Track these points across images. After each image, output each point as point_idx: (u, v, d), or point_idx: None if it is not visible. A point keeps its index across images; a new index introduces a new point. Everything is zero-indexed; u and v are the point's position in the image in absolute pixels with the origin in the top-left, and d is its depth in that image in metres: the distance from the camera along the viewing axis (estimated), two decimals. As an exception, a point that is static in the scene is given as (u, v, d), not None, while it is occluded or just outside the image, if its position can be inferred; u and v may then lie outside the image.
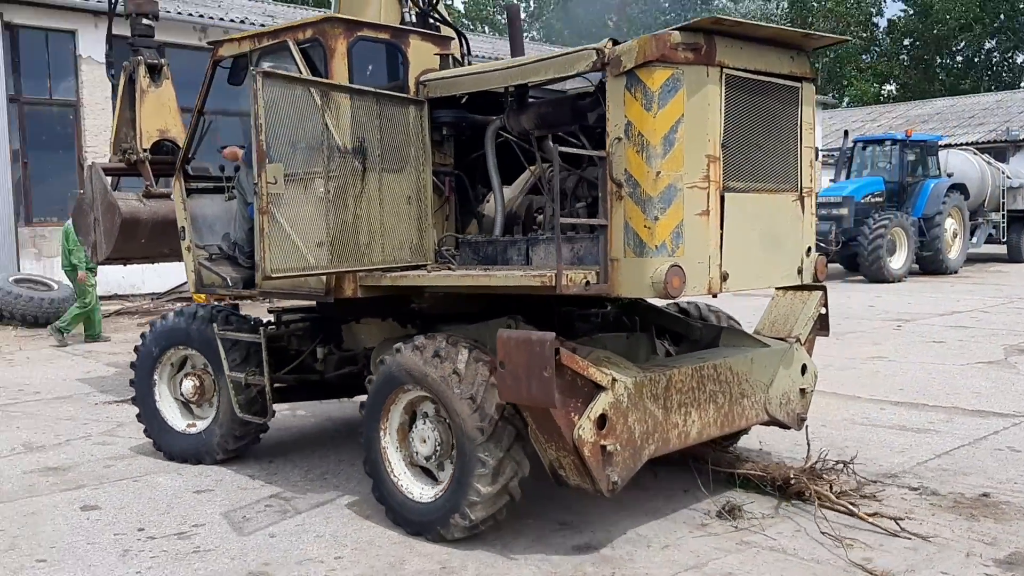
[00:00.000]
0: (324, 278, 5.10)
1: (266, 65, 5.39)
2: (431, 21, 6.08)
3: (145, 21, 8.45)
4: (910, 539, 4.63)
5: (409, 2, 6.08)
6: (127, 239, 8.03)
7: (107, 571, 4.47)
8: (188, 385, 6.40)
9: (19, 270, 15.34)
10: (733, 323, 6.16)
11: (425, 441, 4.85)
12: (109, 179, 8.36)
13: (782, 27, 4.88)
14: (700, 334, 5.89)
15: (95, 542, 4.86)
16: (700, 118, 4.43)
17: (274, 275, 4.44)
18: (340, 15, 5.25)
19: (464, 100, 5.47)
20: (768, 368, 5.43)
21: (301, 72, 5.13)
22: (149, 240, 8.18)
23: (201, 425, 6.42)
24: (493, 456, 4.47)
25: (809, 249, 5.19)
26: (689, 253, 4.43)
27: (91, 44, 16.15)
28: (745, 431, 6.03)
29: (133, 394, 6.62)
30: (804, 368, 5.70)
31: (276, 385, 6.13)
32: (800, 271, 5.15)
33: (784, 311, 5.93)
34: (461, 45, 6.12)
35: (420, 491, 4.87)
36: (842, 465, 5.48)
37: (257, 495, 5.59)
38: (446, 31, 5.96)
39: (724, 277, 4.61)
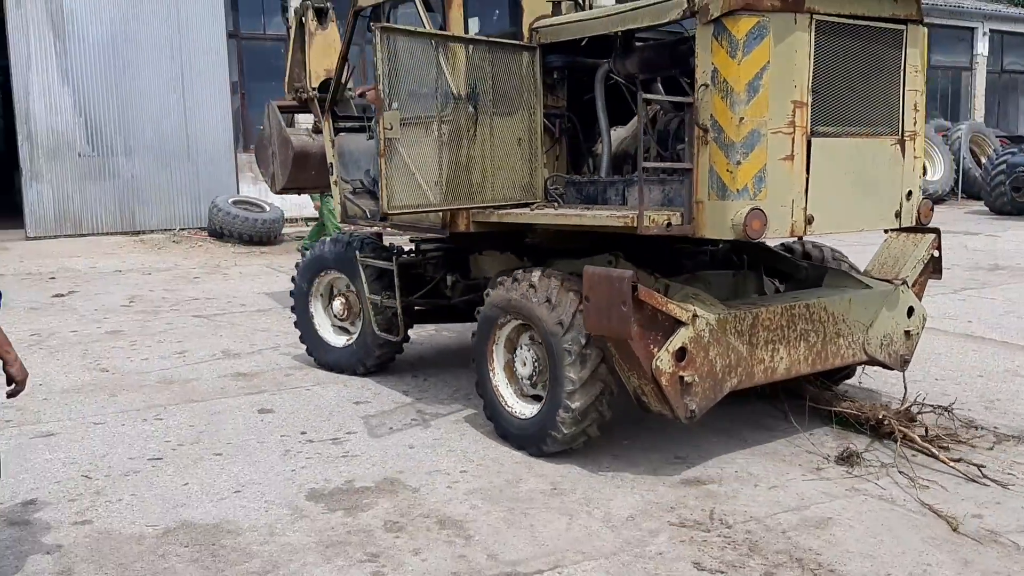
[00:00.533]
0: (441, 214, 5.61)
1: (396, 14, 5.89)
2: None
3: (320, -35, 9.11)
4: (988, 485, 4.68)
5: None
6: (299, 171, 8.86)
7: (269, 467, 5.07)
8: (338, 305, 7.18)
9: (237, 192, 16.78)
10: (842, 261, 6.21)
11: (525, 364, 5.33)
12: (284, 116, 9.21)
13: (878, -30, 4.84)
14: (806, 273, 6.00)
15: (264, 441, 5.49)
16: (787, 65, 4.54)
17: (393, 211, 4.99)
18: (458, -32, 5.63)
19: (581, 44, 5.75)
20: (868, 309, 5.51)
21: (424, 21, 5.59)
22: (319, 172, 8.98)
23: (348, 340, 7.19)
24: (579, 375, 4.89)
25: (910, 193, 5.19)
26: (772, 196, 4.60)
27: None
28: (850, 369, 6.15)
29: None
30: (911, 310, 5.72)
31: (416, 308, 6.79)
32: (899, 215, 5.17)
33: (895, 253, 5.94)
34: (583, -10, 6.36)
35: (522, 409, 5.37)
36: (942, 409, 5.51)
37: (405, 409, 6.12)
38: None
39: (809, 220, 4.74)
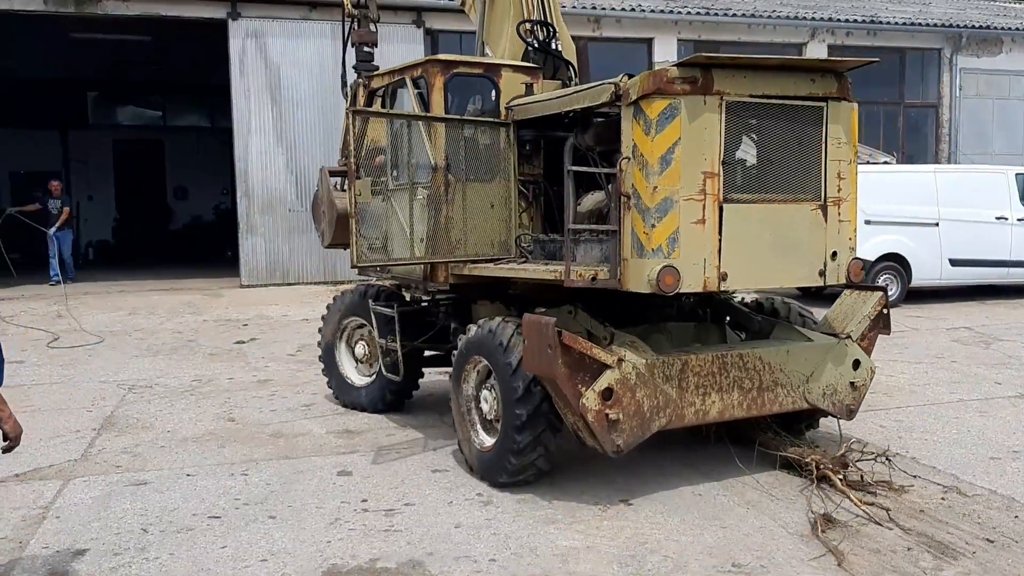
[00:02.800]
0: (422, 268, 6.40)
1: (398, 94, 6.81)
2: (548, 53, 7.15)
3: (366, 49, 10.19)
4: (891, 529, 5.05)
5: (531, 38, 7.18)
6: (342, 229, 9.86)
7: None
8: (360, 348, 8.04)
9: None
10: (806, 317, 6.63)
11: (487, 401, 6.01)
12: (334, 179, 10.26)
13: (786, 58, 5.40)
14: (759, 326, 6.47)
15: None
16: (698, 140, 5.16)
17: (360, 264, 5.81)
18: (440, 56, 6.48)
19: (554, 120, 6.48)
20: (808, 360, 5.95)
21: (412, 102, 6.46)
22: None
23: (366, 381, 8.03)
24: (524, 411, 5.52)
25: (835, 254, 5.65)
26: (685, 255, 5.19)
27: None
28: (813, 419, 6.54)
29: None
30: (857, 363, 6.12)
31: (426, 353, 7.58)
32: (823, 273, 5.63)
33: (845, 309, 6.36)
34: (569, 71, 7.12)
35: (484, 440, 6.04)
36: (884, 457, 5.86)
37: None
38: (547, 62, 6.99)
39: (723, 277, 5.29)
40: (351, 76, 9.48)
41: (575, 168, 5.39)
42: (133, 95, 25.87)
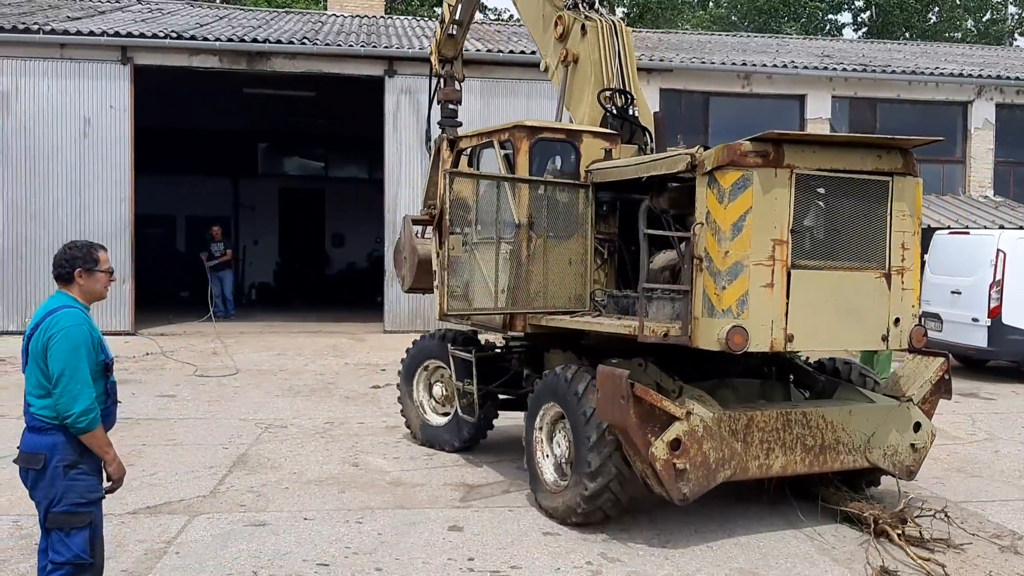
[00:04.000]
0: (502, 317, 6.83)
1: (484, 153, 7.31)
2: (626, 119, 7.59)
3: (451, 106, 10.77)
4: (947, 584, 5.27)
5: (610, 104, 7.64)
6: (423, 274, 10.38)
7: None
8: (438, 389, 8.49)
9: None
10: (868, 378, 6.86)
11: (560, 445, 6.37)
12: (416, 227, 10.81)
13: (853, 135, 5.74)
14: (822, 386, 6.74)
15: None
16: (768, 209, 5.52)
17: (449, 313, 6.26)
18: (527, 123, 6.95)
19: (630, 183, 6.89)
20: (870, 421, 6.20)
21: (499, 164, 6.95)
22: None
23: (443, 421, 8.45)
24: (595, 459, 5.88)
25: (898, 320, 5.92)
26: (753, 316, 5.52)
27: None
28: (873, 476, 6.75)
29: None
30: (918, 426, 6.34)
31: (500, 396, 7.98)
32: (885, 339, 5.91)
33: (908, 373, 6.60)
34: (645, 136, 7.55)
35: (557, 484, 6.39)
36: (942, 514, 6.06)
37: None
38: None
39: (790, 338, 5.61)
40: (435, 131, 10.06)
41: (650, 231, 5.78)
42: (299, 146, 27.51)
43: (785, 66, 18.80)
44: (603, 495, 5.95)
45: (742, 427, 5.83)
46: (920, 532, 5.91)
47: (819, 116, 18.59)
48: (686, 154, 5.79)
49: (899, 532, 5.82)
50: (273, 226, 26.35)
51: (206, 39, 16.75)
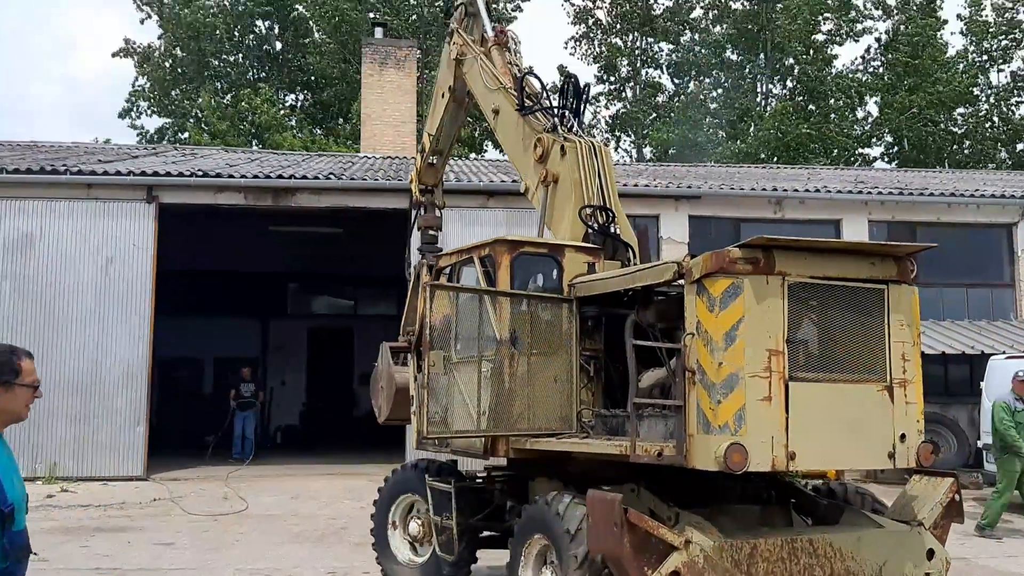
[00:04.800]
0: (482, 441, 6.41)
1: (464, 271, 7.07)
2: (608, 236, 7.42)
3: (431, 232, 10.64)
4: None
5: (591, 221, 7.49)
6: (400, 404, 9.95)
7: None
8: (414, 526, 7.93)
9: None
10: (879, 506, 6.43)
11: (547, 581, 5.85)
12: (394, 356, 10.46)
13: (846, 241, 5.55)
14: (825, 511, 6.29)
15: None
16: (761, 318, 5.24)
17: (428, 437, 5.85)
18: (508, 237, 6.76)
19: (616, 298, 6.63)
20: (881, 548, 5.74)
21: (480, 279, 6.69)
22: None
23: (420, 561, 7.86)
24: None
25: (904, 436, 5.57)
26: (752, 432, 5.15)
27: (670, 225, 17.45)
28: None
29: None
30: (931, 553, 5.88)
31: (483, 533, 7.44)
32: (892, 456, 5.53)
33: (915, 495, 6.18)
34: (628, 252, 7.36)
35: (544, 627, 5.83)
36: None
37: None
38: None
39: (791, 456, 5.22)
40: (415, 257, 9.89)
41: (638, 343, 5.47)
42: (328, 285, 27.34)
43: (819, 191, 18.14)
44: None
45: (745, 557, 5.36)
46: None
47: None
48: (673, 263, 5.56)
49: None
50: (301, 366, 25.92)
51: (231, 176, 16.73)
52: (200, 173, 16.63)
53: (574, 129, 8.12)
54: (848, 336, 5.50)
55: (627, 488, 5.97)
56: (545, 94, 8.23)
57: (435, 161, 10.41)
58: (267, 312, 25.59)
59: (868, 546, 5.71)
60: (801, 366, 5.34)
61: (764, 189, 18.09)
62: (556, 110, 8.02)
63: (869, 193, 18.21)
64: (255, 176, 16.74)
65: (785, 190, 18.08)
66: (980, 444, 13.64)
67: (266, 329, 25.74)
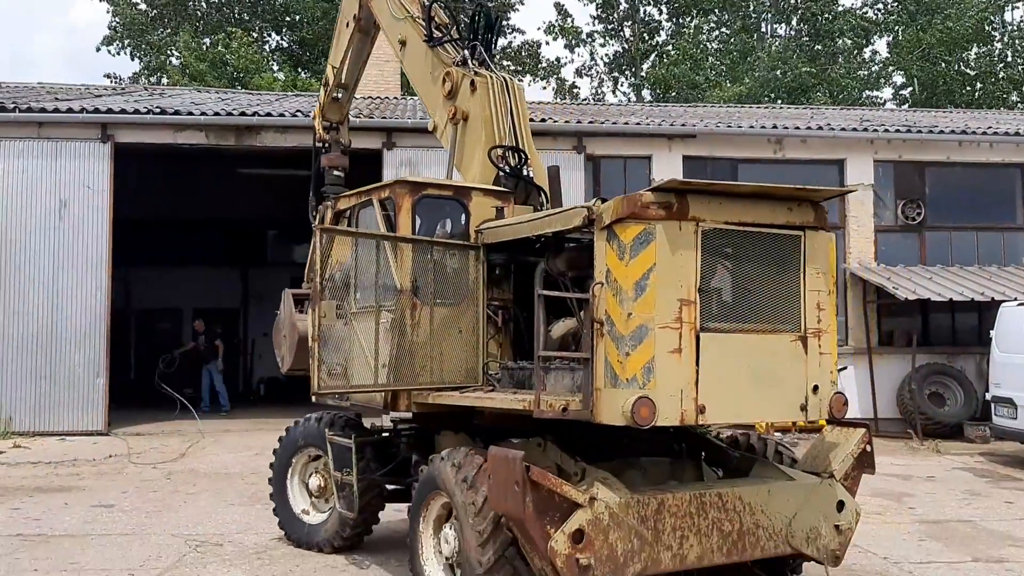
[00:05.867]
0: (382, 395, 6.05)
1: (363, 214, 6.62)
2: (519, 178, 7.05)
3: (336, 173, 10.11)
4: None
5: (502, 163, 7.10)
6: (303, 353, 9.51)
7: None
8: (314, 481, 7.57)
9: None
10: (784, 454, 6.30)
11: (447, 542, 5.57)
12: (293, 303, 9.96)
13: (762, 185, 5.29)
14: (737, 463, 6.14)
15: None
16: (673, 266, 4.95)
17: (322, 391, 5.46)
18: (408, 178, 6.34)
19: (525, 245, 6.29)
20: (790, 501, 5.60)
21: (379, 223, 6.26)
22: None
23: (321, 518, 7.52)
24: (487, 558, 5.09)
25: (816, 387, 5.40)
26: (661, 386, 4.90)
27: (663, 166, 16.50)
28: (795, 564, 6.14)
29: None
30: (841, 504, 5.77)
31: (388, 487, 7.12)
32: (804, 408, 5.36)
33: (827, 447, 6.05)
34: (541, 196, 7.00)
35: (444, 587, 5.56)
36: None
37: None
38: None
39: (701, 410, 4.99)
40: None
41: (546, 292, 5.16)
42: (308, 232, 26.05)
43: (821, 128, 17.07)
44: None
45: (652, 513, 5.14)
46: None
47: (860, 182, 16.84)
48: (582, 208, 5.23)
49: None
50: (283, 317, 25.38)
51: (191, 114, 15.70)
52: (158, 110, 15.62)
53: (485, 62, 7.68)
54: (762, 285, 5.27)
55: (533, 443, 5.72)
56: (455, 25, 7.75)
57: (340, 96, 9.84)
58: (247, 261, 24.84)
59: (778, 499, 5.56)
60: (713, 316, 5.09)
61: (763, 127, 17.06)
62: (466, 42, 7.55)
63: (875, 131, 17.12)
64: (216, 113, 15.76)
65: (786, 127, 17.01)
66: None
67: (246, 278, 24.97)
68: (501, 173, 7.09)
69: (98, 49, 35.57)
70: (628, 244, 4.92)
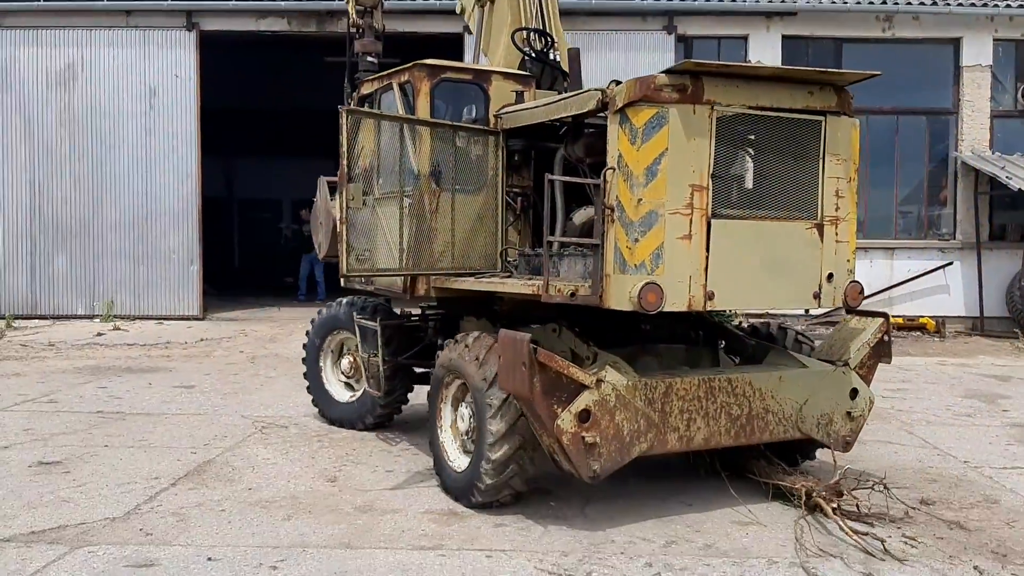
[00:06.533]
0: (403, 280, 6.18)
1: (384, 99, 6.62)
2: (544, 63, 6.94)
3: (370, 59, 10.04)
4: (884, 560, 4.74)
5: (526, 47, 6.99)
6: (336, 239, 9.68)
7: None
8: (345, 363, 7.82)
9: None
10: (805, 344, 6.32)
11: (463, 420, 5.75)
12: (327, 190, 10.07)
13: (782, 68, 5.14)
14: (752, 351, 6.18)
15: None
16: (686, 151, 4.90)
17: (350, 274, 5.59)
18: (427, 61, 6.27)
19: (545, 130, 6.25)
20: (802, 388, 5.65)
21: (399, 106, 6.26)
22: None
23: (352, 396, 7.79)
24: (498, 428, 5.25)
25: (831, 276, 5.36)
26: (669, 272, 4.92)
27: (760, 47, 15.68)
28: (808, 450, 6.23)
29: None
30: (855, 392, 5.81)
31: (416, 369, 7.34)
32: (817, 296, 5.35)
33: (844, 336, 6.06)
34: (566, 82, 6.90)
35: (460, 462, 5.77)
36: (881, 485, 5.52)
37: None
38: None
39: (710, 296, 5.02)
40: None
41: (556, 178, 5.17)
42: None
43: (935, 3, 15.50)
44: (509, 467, 5.33)
45: (659, 396, 5.24)
46: (857, 506, 5.39)
47: (978, 63, 15.70)
48: (596, 91, 5.16)
49: (834, 506, 5.29)
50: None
51: None
52: None
53: None
54: (779, 171, 5.19)
55: (548, 328, 5.81)
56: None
57: (374, -22, 9.68)
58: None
59: (789, 385, 5.62)
60: (726, 203, 5.05)
61: (871, 2, 15.55)
62: None
63: (996, 6, 15.62)
64: None
65: (896, 2, 15.52)
66: None
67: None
68: (526, 57, 7.00)
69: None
70: (640, 128, 4.87)
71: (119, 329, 14.22)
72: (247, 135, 17.28)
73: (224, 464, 6.63)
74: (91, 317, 15.36)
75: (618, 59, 15.27)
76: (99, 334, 13.74)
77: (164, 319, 15.39)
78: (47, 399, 8.97)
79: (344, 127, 5.55)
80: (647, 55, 15.42)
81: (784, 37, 15.72)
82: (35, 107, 15.57)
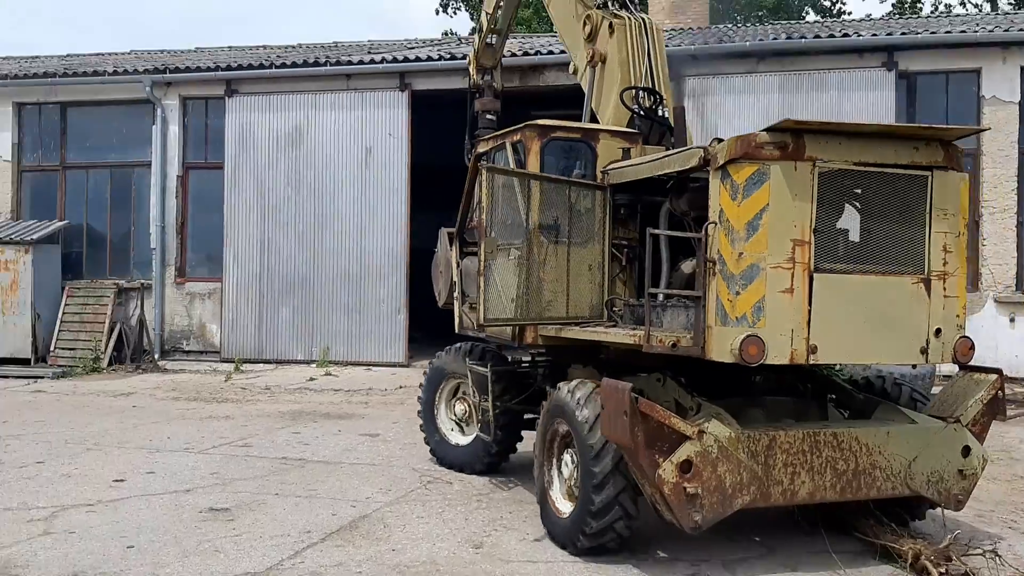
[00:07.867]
0: (512, 330, 6.43)
1: (497, 158, 6.96)
2: (652, 120, 7.15)
3: (488, 116, 10.47)
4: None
5: (635, 105, 7.21)
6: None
7: None
8: (459, 407, 8.11)
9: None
10: (919, 400, 6.21)
11: (567, 465, 5.91)
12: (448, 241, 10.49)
13: (886, 124, 5.18)
14: (861, 405, 6.13)
15: None
16: (787, 207, 5.00)
17: (487, 323, 5.90)
18: (538, 121, 6.56)
19: (654, 185, 6.43)
20: (912, 444, 5.57)
21: (511, 164, 6.57)
22: None
23: (467, 440, 8.06)
24: (601, 468, 5.39)
25: (939, 331, 5.31)
26: (771, 325, 4.99)
27: (995, 81, 14.16)
28: (919, 510, 6.10)
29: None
30: (967, 450, 5.69)
31: (526, 416, 7.56)
32: (924, 351, 5.30)
33: (957, 392, 5.94)
34: (671, 137, 7.08)
35: (564, 506, 5.92)
36: (991, 553, 5.39)
37: None
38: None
39: (813, 349, 5.06)
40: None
41: (657, 232, 5.33)
42: None
43: None
44: (612, 509, 5.45)
45: (763, 448, 5.28)
46: (967, 572, 5.25)
47: None
48: (699, 148, 5.33)
49: (942, 571, 5.18)
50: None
51: None
52: (447, 55, 16.31)
53: (625, 4, 7.77)
54: (884, 226, 5.21)
55: (653, 378, 5.92)
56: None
57: (493, 41, 10.18)
58: None
59: (897, 441, 5.55)
60: (829, 257, 5.10)
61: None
62: None
63: None
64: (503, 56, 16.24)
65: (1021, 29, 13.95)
66: None
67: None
68: (635, 115, 7.22)
69: (437, 12, 37.04)
70: (741, 184, 5.00)
71: (330, 375, 14.84)
72: (452, 188, 17.51)
73: (377, 521, 6.52)
74: (308, 363, 16.10)
75: (831, 99, 14.42)
76: (311, 379, 14.39)
77: (372, 365, 15.95)
78: (243, 443, 9.39)
79: (484, 184, 5.89)
80: (864, 94, 14.32)
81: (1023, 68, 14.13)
82: (266, 168, 16.60)
